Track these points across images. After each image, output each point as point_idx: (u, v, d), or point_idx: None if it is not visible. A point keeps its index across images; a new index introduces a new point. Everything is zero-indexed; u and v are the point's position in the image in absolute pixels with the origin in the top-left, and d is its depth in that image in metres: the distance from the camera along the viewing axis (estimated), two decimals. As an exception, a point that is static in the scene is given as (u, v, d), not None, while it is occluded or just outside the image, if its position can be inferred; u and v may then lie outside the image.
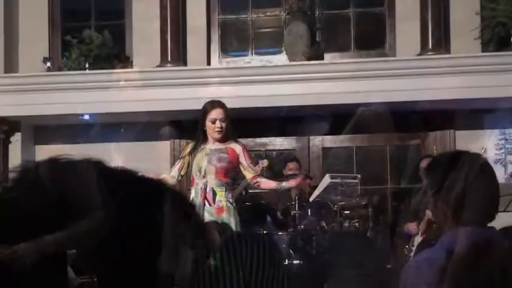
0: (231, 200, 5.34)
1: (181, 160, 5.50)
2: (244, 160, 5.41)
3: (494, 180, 2.28)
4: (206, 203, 5.29)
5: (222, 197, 5.29)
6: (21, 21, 8.81)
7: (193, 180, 5.42)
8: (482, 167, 2.28)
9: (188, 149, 5.49)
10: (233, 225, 5.22)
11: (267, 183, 5.56)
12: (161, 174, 5.50)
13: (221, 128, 5.33)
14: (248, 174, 5.46)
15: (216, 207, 5.27)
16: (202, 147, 5.39)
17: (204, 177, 5.32)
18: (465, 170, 2.25)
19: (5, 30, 8.55)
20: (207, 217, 5.16)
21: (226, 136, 5.39)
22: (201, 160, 5.35)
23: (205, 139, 5.41)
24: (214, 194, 5.30)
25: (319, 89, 7.77)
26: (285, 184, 5.62)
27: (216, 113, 5.35)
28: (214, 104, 5.41)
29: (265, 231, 6.75)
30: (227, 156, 5.36)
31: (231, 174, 5.42)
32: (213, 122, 5.34)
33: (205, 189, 5.29)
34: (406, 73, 7.70)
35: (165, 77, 8.02)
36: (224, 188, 5.32)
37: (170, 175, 5.46)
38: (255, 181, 5.49)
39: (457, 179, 2.22)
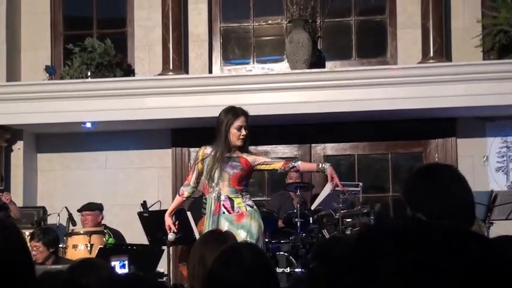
0: (250, 203, 5.25)
1: (196, 167, 5.39)
2: (264, 159, 5.36)
3: (466, 188, 2.31)
4: (225, 211, 5.20)
5: (240, 203, 5.21)
6: (23, 30, 8.84)
7: (207, 189, 5.35)
8: (453, 177, 2.30)
9: (201, 156, 5.35)
10: (254, 229, 5.14)
11: (304, 165, 5.49)
12: (181, 189, 5.50)
13: (245, 135, 5.25)
14: (278, 165, 5.32)
15: (236, 214, 5.19)
16: (221, 155, 5.24)
17: (217, 185, 5.24)
18: (438, 182, 2.28)
19: (8, 38, 8.56)
20: (227, 225, 5.09)
21: (245, 144, 5.32)
22: (214, 168, 5.25)
23: (227, 147, 5.27)
24: (232, 201, 5.21)
25: (320, 97, 7.78)
26: (325, 165, 5.35)
27: (242, 120, 5.25)
28: (239, 110, 5.31)
29: (267, 239, 6.75)
30: (239, 164, 5.25)
31: (244, 182, 5.30)
32: (239, 129, 5.23)
33: (219, 198, 5.23)
34: (407, 81, 7.71)
35: (167, 85, 8.03)
36: (239, 194, 5.23)
37: (189, 187, 5.40)
38: (290, 166, 5.34)
39: (432, 191, 2.25)
